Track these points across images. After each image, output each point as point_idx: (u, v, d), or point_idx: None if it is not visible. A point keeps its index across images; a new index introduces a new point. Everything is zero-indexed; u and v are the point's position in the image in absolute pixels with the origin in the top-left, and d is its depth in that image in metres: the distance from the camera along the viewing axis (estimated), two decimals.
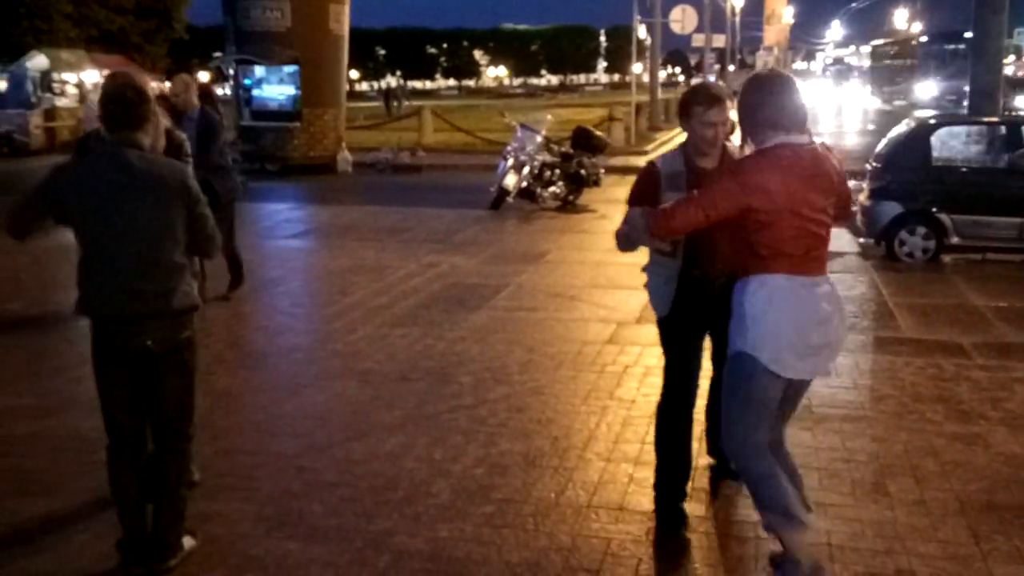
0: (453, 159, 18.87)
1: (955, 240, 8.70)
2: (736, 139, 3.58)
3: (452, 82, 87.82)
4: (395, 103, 39.23)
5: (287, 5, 16.51)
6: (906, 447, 4.30)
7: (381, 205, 12.95)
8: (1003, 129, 9.30)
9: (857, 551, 3.39)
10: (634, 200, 3.51)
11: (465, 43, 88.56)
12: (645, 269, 3.74)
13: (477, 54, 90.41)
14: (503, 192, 12.46)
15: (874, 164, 9.34)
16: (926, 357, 5.63)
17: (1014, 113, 16.73)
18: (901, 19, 74.45)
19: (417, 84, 75.19)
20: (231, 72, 18.19)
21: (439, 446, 4.41)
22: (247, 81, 17.42)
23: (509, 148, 12.88)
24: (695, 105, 3.38)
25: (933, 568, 3.26)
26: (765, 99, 3.00)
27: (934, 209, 8.68)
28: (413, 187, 15.65)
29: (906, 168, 8.95)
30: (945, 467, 4.08)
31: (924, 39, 44.38)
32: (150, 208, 3.13)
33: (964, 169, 9.19)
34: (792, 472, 3.23)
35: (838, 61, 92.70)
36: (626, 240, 3.39)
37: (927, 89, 37.78)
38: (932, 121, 9.86)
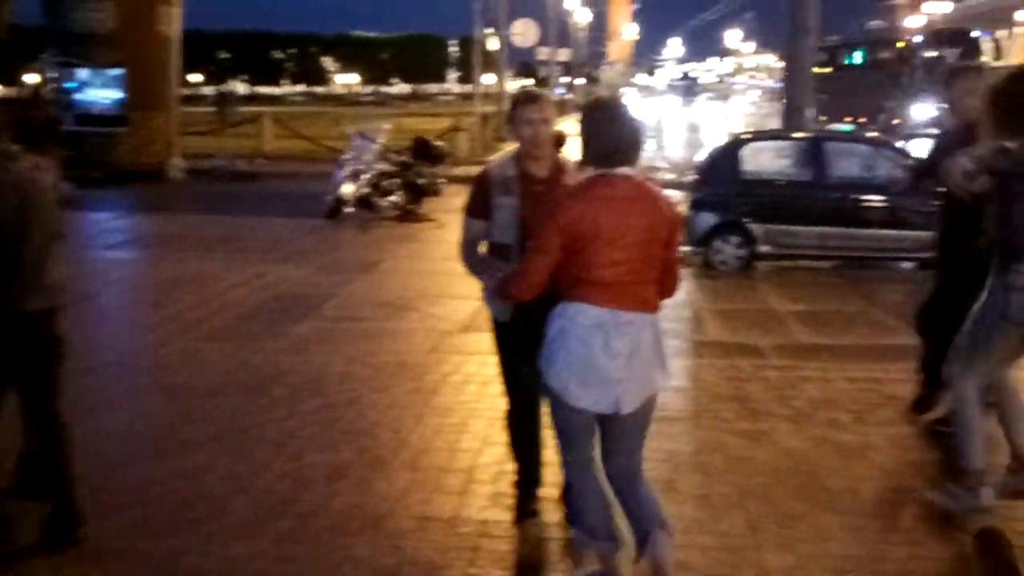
0: (294, 167, 18.48)
1: (765, 249, 9.26)
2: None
3: (302, 88, 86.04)
4: (227, 108, 37.99)
5: (110, 6, 15.73)
6: (698, 445, 4.56)
7: (212, 214, 12.54)
8: (807, 144, 9.98)
9: None
10: (470, 206, 3.56)
11: (313, 49, 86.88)
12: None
13: (326, 60, 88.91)
14: (340, 201, 12.32)
15: (694, 176, 9.82)
16: (726, 359, 5.97)
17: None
18: (735, 38, 78.76)
19: (264, 89, 73.07)
20: (53, 75, 17.20)
21: (244, 461, 4.31)
22: (69, 84, 16.48)
23: (345, 157, 12.76)
24: (515, 106, 3.47)
25: (709, 559, 3.46)
26: (593, 129, 3.02)
27: (745, 220, 9.22)
28: (248, 195, 15.20)
29: (720, 181, 9.48)
30: (731, 462, 4.34)
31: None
32: None
33: (772, 182, 9.81)
34: (640, 504, 3.18)
35: (685, 76, 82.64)
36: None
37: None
38: (744, 136, 10.47)
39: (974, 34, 25.56)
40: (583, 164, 3.09)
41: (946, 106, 6.30)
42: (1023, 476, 3.73)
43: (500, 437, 4.60)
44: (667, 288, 3.15)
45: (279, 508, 3.83)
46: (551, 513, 3.75)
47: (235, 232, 10.85)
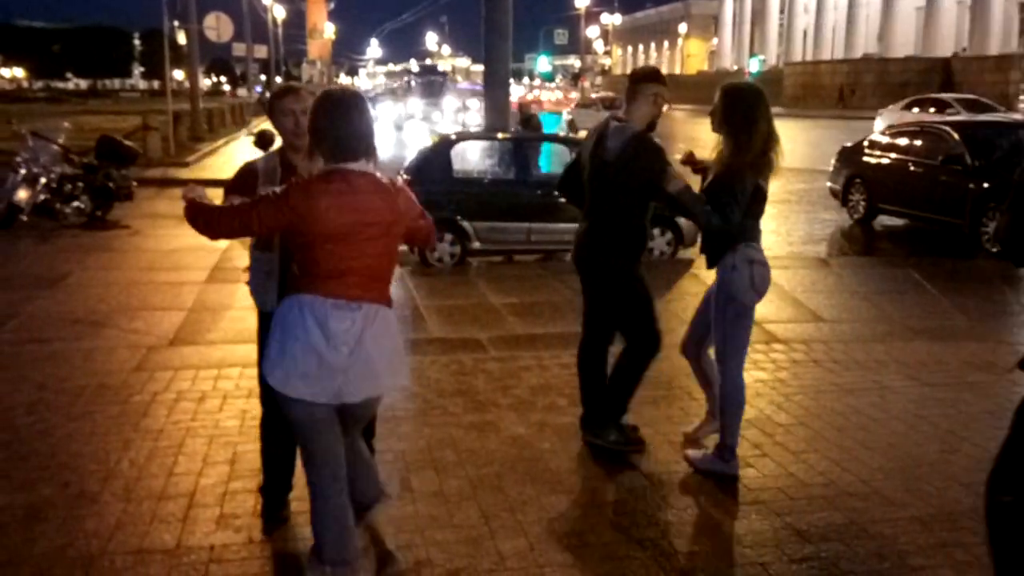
0: None
1: (477, 245, 9.58)
2: None
3: None
4: None
5: None
6: (428, 441, 4.60)
7: None
8: (511, 144, 10.46)
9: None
10: (229, 187, 3.50)
11: None
12: (249, 268, 3.62)
13: None
14: (14, 208, 11.02)
15: (404, 176, 9.90)
16: (450, 354, 6.09)
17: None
18: (432, 41, 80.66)
19: None
20: None
21: None
22: None
23: (19, 159, 11.40)
24: (274, 99, 3.60)
25: (448, 553, 3.51)
26: (325, 124, 2.96)
27: (458, 217, 9.47)
28: None
29: (431, 180, 9.64)
30: (462, 456, 4.43)
31: None
32: None
33: (481, 180, 10.18)
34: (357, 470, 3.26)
35: (426, 70, 53.69)
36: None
37: None
38: (452, 136, 10.74)
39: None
40: (316, 153, 3.06)
41: None
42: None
43: (222, 455, 4.38)
44: (420, 241, 3.44)
45: None
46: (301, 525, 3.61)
47: None
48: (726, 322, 4.12)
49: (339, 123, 2.95)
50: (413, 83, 44.57)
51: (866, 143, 13.13)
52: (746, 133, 3.97)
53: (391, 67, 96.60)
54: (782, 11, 69.19)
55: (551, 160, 11.25)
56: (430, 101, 38.99)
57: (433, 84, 42.71)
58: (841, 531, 3.72)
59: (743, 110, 4.02)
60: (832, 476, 4.24)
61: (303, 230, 2.91)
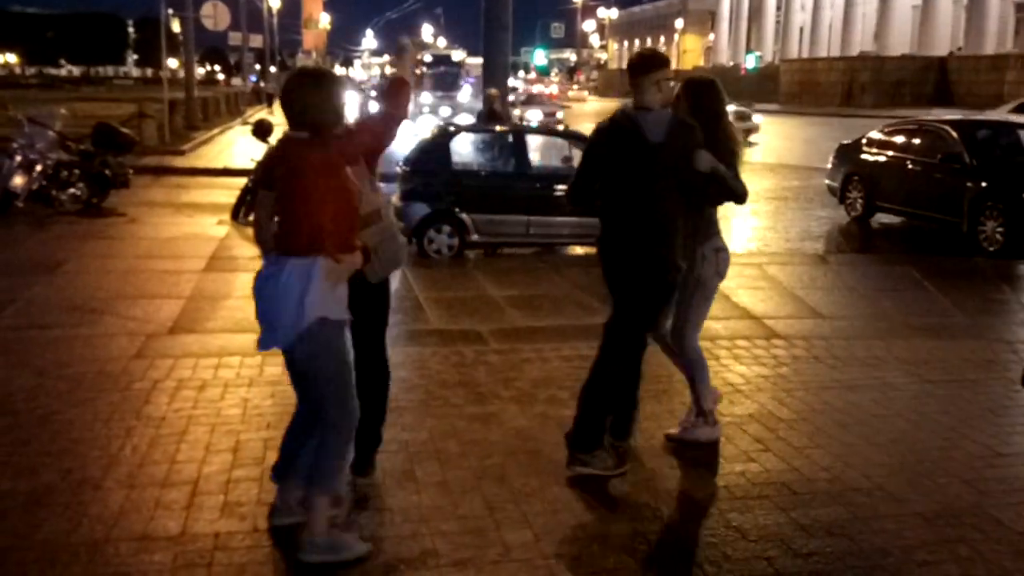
0: None
1: (475, 237, 9.55)
2: None
3: None
4: None
5: None
6: (431, 432, 4.59)
7: None
8: (511, 137, 10.42)
9: (386, 539, 3.51)
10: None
11: None
12: None
13: None
14: (10, 195, 10.96)
15: (403, 168, 9.88)
16: (451, 346, 6.08)
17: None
18: (427, 33, 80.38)
19: None
20: None
21: None
22: None
23: (15, 145, 11.33)
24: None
25: (453, 543, 3.50)
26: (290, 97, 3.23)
27: (456, 209, 9.45)
28: None
29: (431, 172, 9.62)
30: (465, 447, 4.43)
31: None
32: None
33: (480, 172, 10.15)
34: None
35: (440, 60, 43.13)
36: None
37: None
38: (451, 128, 10.72)
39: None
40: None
41: None
42: None
43: (224, 443, 4.37)
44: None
45: None
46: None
47: None
48: (694, 303, 4.43)
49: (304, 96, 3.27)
50: (425, 74, 38.26)
51: (864, 141, 13.14)
52: (715, 123, 4.25)
53: (388, 57, 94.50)
54: (779, 8, 69.25)
55: (551, 153, 11.21)
56: (444, 95, 34.01)
57: (447, 76, 37.50)
58: (845, 526, 3.72)
59: (709, 103, 4.32)
60: (835, 471, 4.24)
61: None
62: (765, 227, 12.42)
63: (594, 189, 4.23)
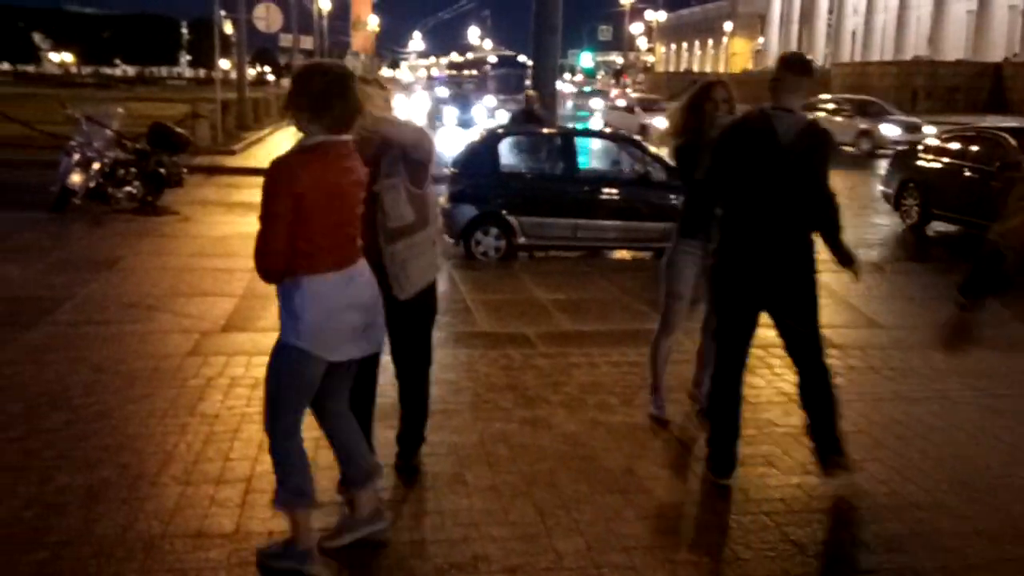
0: (5, 154, 16.52)
1: (522, 240, 9.53)
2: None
3: (6, 67, 77.19)
4: None
5: None
6: (481, 436, 4.57)
7: None
8: (559, 140, 10.39)
9: (437, 543, 3.51)
10: None
11: (21, 23, 78.15)
12: None
13: (37, 37, 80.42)
14: (68, 192, 11.17)
15: (452, 170, 9.89)
16: (498, 349, 6.06)
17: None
18: (474, 35, 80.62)
19: None
20: None
21: None
22: None
23: (73, 143, 11.56)
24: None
25: (504, 549, 3.48)
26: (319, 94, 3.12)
27: (504, 212, 9.44)
28: None
29: (479, 174, 9.63)
30: (515, 451, 4.40)
31: None
32: None
33: (527, 175, 10.13)
34: (352, 436, 3.44)
35: (505, 62, 41.79)
36: None
37: None
38: (499, 131, 10.71)
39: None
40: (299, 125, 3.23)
41: None
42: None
43: None
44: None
45: (30, 540, 3.37)
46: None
47: None
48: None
49: (326, 94, 3.16)
50: (488, 76, 37.57)
51: (920, 147, 12.87)
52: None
53: (454, 57, 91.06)
54: (831, 11, 68.21)
55: (599, 156, 11.14)
56: (507, 97, 32.52)
57: (510, 78, 36.33)
58: (905, 542, 3.63)
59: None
60: (894, 486, 4.14)
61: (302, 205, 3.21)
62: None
63: (718, 193, 4.10)
